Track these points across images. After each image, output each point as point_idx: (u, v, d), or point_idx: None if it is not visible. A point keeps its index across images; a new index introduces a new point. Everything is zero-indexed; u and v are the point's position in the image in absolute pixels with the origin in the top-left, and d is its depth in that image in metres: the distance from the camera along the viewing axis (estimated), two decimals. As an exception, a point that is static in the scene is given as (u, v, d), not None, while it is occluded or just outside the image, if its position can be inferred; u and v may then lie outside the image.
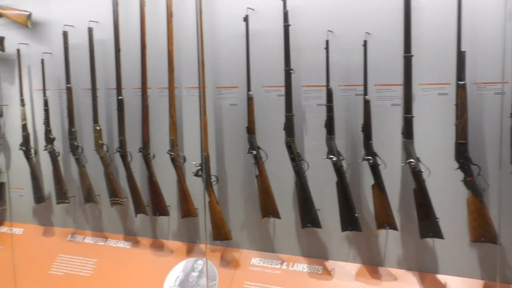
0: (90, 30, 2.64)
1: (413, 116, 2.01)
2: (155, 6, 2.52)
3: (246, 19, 2.27)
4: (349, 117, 2.20)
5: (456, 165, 1.96)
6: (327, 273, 2.29)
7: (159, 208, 2.61)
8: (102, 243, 2.85)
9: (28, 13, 2.82)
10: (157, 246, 2.72)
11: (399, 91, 2.10)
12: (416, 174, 2.02)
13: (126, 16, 2.60)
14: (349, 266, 2.29)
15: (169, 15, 2.42)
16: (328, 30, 2.16)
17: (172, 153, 2.50)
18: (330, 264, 2.33)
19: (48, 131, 2.87)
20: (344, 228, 2.20)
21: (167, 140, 2.51)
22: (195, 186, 2.51)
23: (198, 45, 2.38)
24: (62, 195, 2.90)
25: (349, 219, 2.17)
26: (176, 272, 2.51)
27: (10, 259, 2.94)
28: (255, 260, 2.44)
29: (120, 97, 2.61)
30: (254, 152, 2.32)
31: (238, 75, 2.39)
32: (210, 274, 2.43)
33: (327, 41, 2.12)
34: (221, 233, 2.41)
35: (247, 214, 2.51)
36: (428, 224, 2.03)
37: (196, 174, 2.43)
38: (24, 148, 2.95)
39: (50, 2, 2.83)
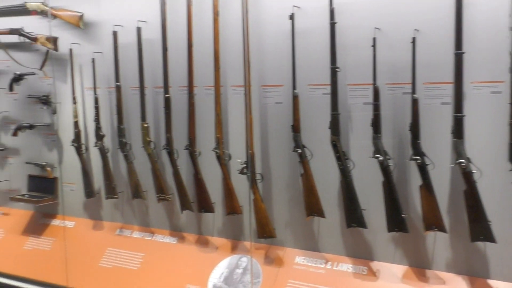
0: (138, 30, 2.70)
1: (464, 115, 1.95)
2: (201, 5, 2.55)
3: (292, 17, 2.26)
4: (396, 116, 2.16)
5: (509, 166, 1.89)
6: (372, 274, 2.25)
7: (205, 205, 2.65)
8: (149, 238, 2.91)
9: (80, 14, 2.91)
10: (202, 242, 2.76)
11: (449, 90, 2.04)
12: (467, 175, 1.96)
13: (173, 16, 2.64)
14: (395, 268, 2.25)
15: (215, 14, 2.44)
16: (375, 28, 2.12)
17: (217, 151, 2.53)
18: (375, 265, 2.29)
19: (98, 128, 2.96)
20: (390, 229, 2.16)
21: (213, 138, 2.54)
22: (239, 184, 2.53)
23: (244, 43, 2.39)
24: (111, 190, 2.98)
25: (396, 220, 2.13)
26: (221, 269, 2.54)
27: (62, 250, 3.05)
28: (299, 259, 2.44)
29: (167, 95, 2.66)
30: (299, 150, 2.31)
31: (283, 73, 2.39)
32: (254, 272, 2.45)
33: (374, 39, 2.09)
34: (265, 231, 2.42)
35: (292, 213, 2.50)
36: (479, 227, 1.96)
37: (241, 172, 2.45)
38: (75, 144, 3.05)
39: (100, 3, 2.92)
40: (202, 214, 2.76)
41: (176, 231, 2.88)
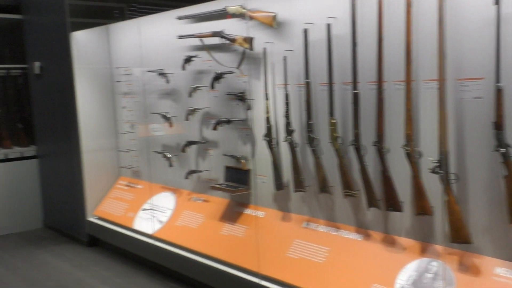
0: (328, 26, 2.73)
1: None
2: (393, -3, 2.47)
3: (497, 1, 2.04)
4: None
5: None
6: None
7: (392, 203, 2.56)
8: (334, 233, 2.93)
9: (274, 14, 3.05)
10: (389, 241, 2.68)
11: None
12: None
13: (363, 10, 2.60)
14: None
15: (408, 5, 2.34)
16: None
17: (407, 148, 2.43)
18: None
19: (288, 124, 3.08)
20: None
21: (402, 135, 2.44)
22: (430, 183, 2.39)
23: (439, 34, 2.24)
24: (299, 184, 3.08)
25: None
26: (409, 271, 2.44)
27: (254, 238, 3.26)
28: (500, 270, 2.20)
29: (355, 91, 2.64)
30: (503, 149, 2.08)
31: (484, 65, 2.17)
32: (447, 278, 2.29)
33: None
34: (459, 236, 2.25)
35: (491, 218, 2.27)
36: None
37: (433, 171, 2.31)
38: (267, 138, 3.22)
39: (292, 2, 3.02)
40: (390, 213, 2.67)
41: (362, 228, 2.85)
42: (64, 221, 5.17)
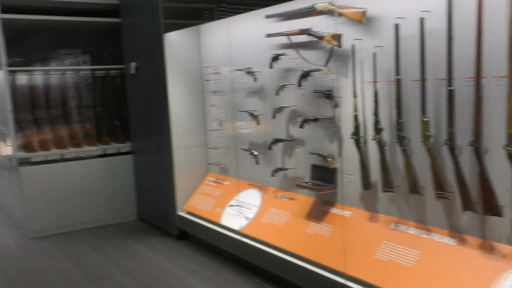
0: (421, 20, 2.61)
1: None
2: (494, -13, 2.31)
3: None
4: None
5: None
6: None
7: (491, 207, 2.41)
8: (426, 236, 2.81)
9: (363, 10, 2.98)
10: (486, 248, 2.52)
11: None
12: None
13: (459, 1, 2.46)
14: None
15: (511, -5, 2.18)
16: None
17: (508, 148, 2.27)
18: None
19: (377, 122, 2.99)
20: None
21: (503, 134, 2.28)
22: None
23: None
24: (387, 184, 2.99)
25: None
26: (509, 281, 2.28)
27: (340, 238, 3.21)
28: None
29: (450, 88, 2.51)
30: None
31: None
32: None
33: None
34: None
35: None
36: None
37: (538, 174, 2.14)
38: (355, 137, 3.16)
39: (383, -3, 2.93)
40: (487, 217, 2.51)
41: (456, 232, 2.70)
42: (156, 214, 5.42)
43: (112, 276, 4.07)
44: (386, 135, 3.01)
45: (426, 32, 2.63)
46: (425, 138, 2.69)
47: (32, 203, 5.23)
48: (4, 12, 4.91)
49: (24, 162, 5.33)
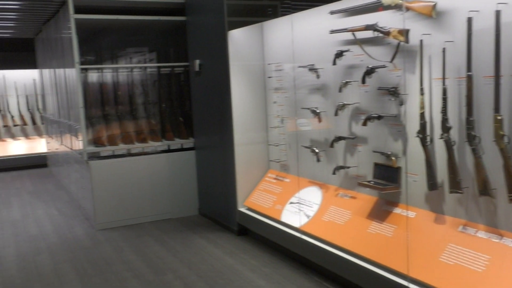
0: (497, 13, 2.48)
1: None
2: None
3: None
4: None
5: None
6: None
7: None
8: (497, 240, 2.67)
9: (433, 4, 2.88)
10: None
11: None
12: None
13: (539, -7, 2.33)
14: None
15: None
16: None
17: None
18: None
19: (445, 120, 2.88)
20: None
21: None
22: None
23: None
24: (455, 185, 2.87)
25: None
26: None
27: (403, 239, 3.12)
28: None
29: (527, 84, 2.38)
30: None
31: None
32: None
33: None
34: None
35: None
36: None
37: None
38: (420, 135, 3.05)
39: (454, -10, 2.81)
40: None
41: (530, 237, 2.56)
42: (217, 210, 5.50)
43: (174, 269, 4.17)
44: (454, 134, 2.89)
45: (502, 25, 2.49)
46: (498, 137, 2.56)
47: (100, 195, 5.46)
48: (77, 12, 5.15)
49: (93, 156, 5.58)
